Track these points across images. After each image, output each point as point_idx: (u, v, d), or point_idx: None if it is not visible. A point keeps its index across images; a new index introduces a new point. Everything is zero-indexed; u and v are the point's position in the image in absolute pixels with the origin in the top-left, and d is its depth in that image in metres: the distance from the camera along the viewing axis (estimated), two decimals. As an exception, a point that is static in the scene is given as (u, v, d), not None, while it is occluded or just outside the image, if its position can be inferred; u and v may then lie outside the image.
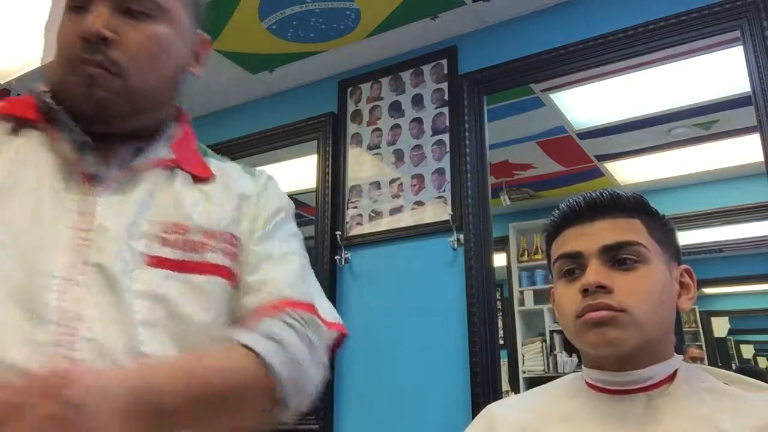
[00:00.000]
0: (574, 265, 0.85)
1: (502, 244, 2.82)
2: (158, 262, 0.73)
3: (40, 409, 0.51)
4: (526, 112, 2.25)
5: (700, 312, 2.72)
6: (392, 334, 2.01)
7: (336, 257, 2.17)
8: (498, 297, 2.30)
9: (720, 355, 2.75)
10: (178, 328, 0.72)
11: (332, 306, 0.89)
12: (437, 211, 2.04)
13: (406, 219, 2.10)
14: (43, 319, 0.65)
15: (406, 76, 2.24)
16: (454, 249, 1.96)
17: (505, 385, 2.40)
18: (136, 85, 0.75)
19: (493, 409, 0.94)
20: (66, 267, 0.68)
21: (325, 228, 2.21)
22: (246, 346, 0.68)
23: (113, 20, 0.74)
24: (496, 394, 1.78)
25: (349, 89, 2.37)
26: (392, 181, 2.17)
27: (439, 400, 1.86)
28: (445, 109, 2.12)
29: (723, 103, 2.06)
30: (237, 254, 0.79)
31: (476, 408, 1.70)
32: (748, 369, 2.64)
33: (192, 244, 0.75)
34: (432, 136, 2.13)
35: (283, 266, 0.81)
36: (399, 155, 2.18)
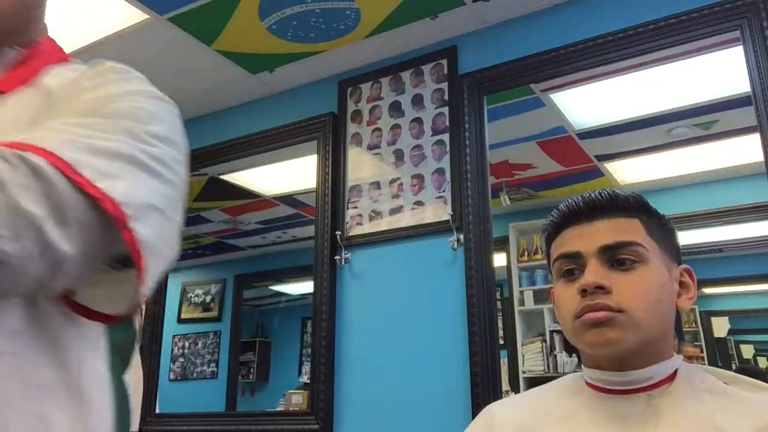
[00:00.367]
0: (573, 265, 0.85)
1: (502, 244, 2.82)
2: None
3: None
4: (526, 112, 2.25)
5: (700, 312, 2.72)
6: (392, 333, 2.01)
7: (336, 257, 2.17)
8: (498, 297, 2.30)
9: (720, 355, 2.75)
10: None
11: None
12: (437, 211, 2.04)
13: (406, 219, 2.10)
14: None
15: (406, 76, 2.24)
16: (454, 249, 1.96)
17: (505, 385, 2.40)
18: None
19: (493, 409, 0.94)
20: None
21: (325, 228, 2.21)
22: None
23: None
24: (496, 394, 1.77)
25: (349, 89, 2.37)
26: (392, 181, 2.17)
27: (439, 400, 1.86)
28: (445, 109, 2.12)
29: (723, 103, 2.06)
30: None
31: (476, 408, 1.70)
32: (748, 369, 2.63)
33: None
34: (432, 136, 2.13)
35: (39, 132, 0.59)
36: (399, 155, 2.18)
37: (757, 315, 2.78)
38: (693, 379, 0.82)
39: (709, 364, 1.19)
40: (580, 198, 0.88)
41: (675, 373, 0.83)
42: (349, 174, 2.27)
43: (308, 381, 2.23)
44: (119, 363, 1.33)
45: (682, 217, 2.33)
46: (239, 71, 2.42)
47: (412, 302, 2.00)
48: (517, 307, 2.86)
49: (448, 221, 1.98)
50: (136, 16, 2.05)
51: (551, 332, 2.76)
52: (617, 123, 2.28)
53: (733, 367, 2.68)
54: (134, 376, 2.41)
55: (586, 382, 0.87)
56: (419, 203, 2.09)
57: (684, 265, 0.89)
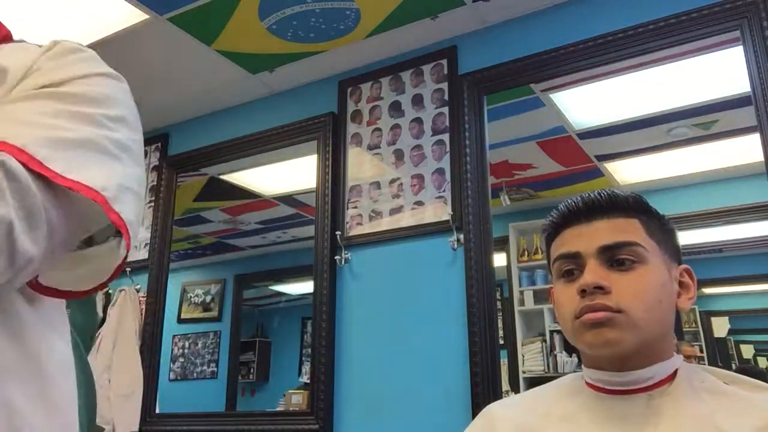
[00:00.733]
0: (572, 265, 0.85)
1: (502, 244, 2.82)
2: None
3: None
4: (526, 112, 2.25)
5: (700, 312, 2.72)
6: (392, 334, 2.01)
7: (336, 257, 2.17)
8: (498, 297, 2.30)
9: (720, 355, 2.75)
10: None
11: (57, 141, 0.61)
12: (437, 211, 2.04)
13: (406, 219, 2.10)
14: None
15: (406, 76, 2.24)
16: (454, 249, 1.96)
17: (505, 385, 2.40)
18: None
19: (493, 408, 0.94)
20: None
21: (325, 228, 2.21)
22: None
23: None
24: (496, 394, 1.77)
25: (349, 89, 2.37)
26: (392, 181, 2.17)
27: (439, 400, 1.86)
28: (445, 109, 2.12)
29: (723, 103, 2.06)
30: None
31: (476, 408, 1.70)
32: (748, 369, 2.63)
33: None
34: (432, 136, 2.13)
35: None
36: (399, 155, 2.18)
37: (757, 315, 2.78)
38: (693, 379, 0.82)
39: (709, 364, 1.19)
40: (579, 198, 0.88)
41: (675, 373, 0.83)
42: (349, 174, 2.27)
43: (308, 381, 2.23)
44: (82, 344, 1.35)
45: (682, 217, 2.33)
46: (239, 71, 2.42)
47: (412, 302, 2.00)
48: (517, 307, 2.86)
49: (448, 221, 1.98)
50: (136, 16, 2.05)
51: (551, 332, 2.76)
52: (617, 123, 2.28)
53: (733, 367, 2.68)
54: (126, 371, 2.41)
55: (586, 383, 0.87)
56: (419, 203, 2.09)
57: (684, 265, 0.89)
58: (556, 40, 1.96)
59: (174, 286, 3.49)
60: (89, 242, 0.67)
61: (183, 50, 2.25)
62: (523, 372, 2.70)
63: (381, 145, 2.23)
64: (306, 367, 2.25)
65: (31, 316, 0.64)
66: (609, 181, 2.58)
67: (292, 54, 2.31)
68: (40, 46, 0.70)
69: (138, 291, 2.65)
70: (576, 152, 2.40)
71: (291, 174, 2.76)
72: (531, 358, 2.76)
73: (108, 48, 2.20)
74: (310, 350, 2.33)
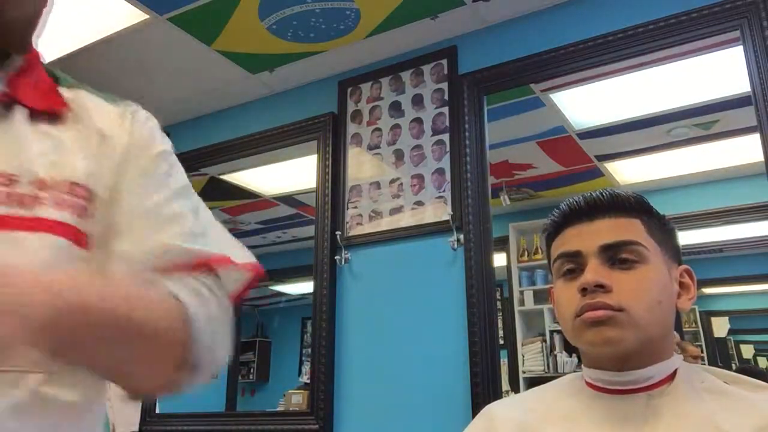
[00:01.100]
0: (573, 264, 0.85)
1: (502, 244, 2.82)
2: None
3: None
4: (526, 112, 2.25)
5: (700, 312, 2.72)
6: (392, 334, 2.01)
7: (336, 257, 2.17)
8: (498, 297, 2.30)
9: (720, 355, 2.75)
10: None
11: (242, 245, 0.74)
12: (437, 211, 2.04)
13: (406, 219, 2.10)
14: None
15: (406, 76, 2.24)
16: (454, 249, 1.96)
17: (505, 385, 2.40)
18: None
19: (493, 408, 0.94)
20: None
21: (325, 228, 2.21)
22: (171, 293, 0.60)
23: None
24: (496, 394, 1.77)
25: (349, 89, 2.36)
26: (392, 181, 2.17)
27: (439, 400, 1.86)
28: (445, 109, 2.12)
29: (723, 103, 2.06)
30: (86, 208, 0.63)
31: (476, 408, 1.70)
32: (748, 369, 2.63)
33: (19, 197, 0.60)
34: (432, 136, 2.13)
35: (174, 227, 0.67)
36: (399, 155, 2.18)
37: (757, 315, 2.78)
38: (693, 379, 0.82)
39: (709, 364, 1.19)
40: (581, 197, 0.88)
41: (675, 373, 0.83)
42: (349, 174, 2.27)
43: (308, 381, 2.23)
44: None
45: (682, 217, 2.33)
46: (239, 71, 2.42)
47: (412, 302, 2.00)
48: (517, 307, 2.86)
49: (448, 221, 1.98)
50: (136, 16, 2.05)
51: (551, 332, 2.76)
52: (617, 123, 2.28)
53: (733, 367, 2.68)
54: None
55: (586, 382, 0.87)
56: (419, 203, 2.09)
57: (684, 266, 0.89)
58: (556, 40, 1.95)
59: (174, 286, 3.49)
60: None
61: (183, 50, 2.25)
62: (523, 372, 2.70)
63: (381, 145, 2.23)
64: (306, 367, 2.25)
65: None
66: (609, 181, 2.58)
67: (292, 54, 2.31)
68: (112, 102, 0.74)
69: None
70: (576, 152, 2.40)
71: (291, 174, 2.77)
72: (531, 358, 2.76)
73: (108, 48, 2.20)
74: (310, 350, 2.32)
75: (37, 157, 0.63)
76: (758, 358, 2.70)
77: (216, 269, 0.67)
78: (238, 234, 3.55)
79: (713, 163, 2.36)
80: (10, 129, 0.64)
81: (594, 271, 0.81)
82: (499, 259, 2.79)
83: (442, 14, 2.07)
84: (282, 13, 2.08)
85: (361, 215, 2.20)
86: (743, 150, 2.06)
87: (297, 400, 2.25)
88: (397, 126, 2.21)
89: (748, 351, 2.76)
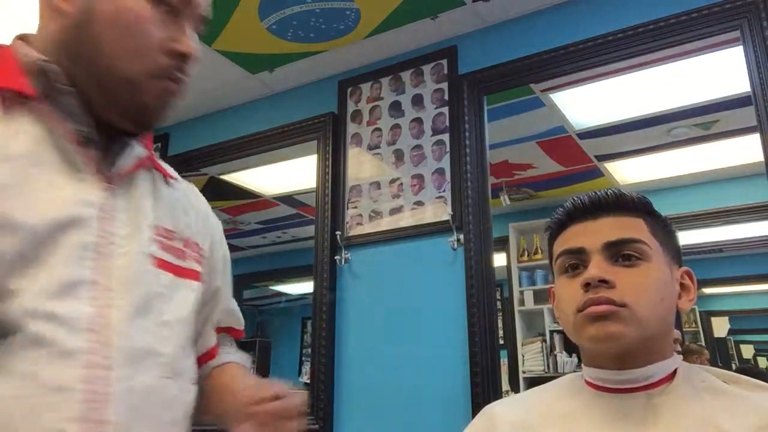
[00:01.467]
0: (576, 260, 0.86)
1: (502, 244, 2.82)
2: (163, 265, 0.75)
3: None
4: (526, 112, 2.25)
5: (700, 312, 2.72)
6: (392, 334, 2.01)
7: (336, 257, 2.17)
8: (498, 297, 2.30)
9: (720, 355, 2.75)
10: (178, 328, 0.75)
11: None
12: (437, 211, 2.04)
13: (406, 219, 2.10)
14: (75, 327, 0.63)
15: (406, 76, 2.24)
16: (454, 249, 1.96)
17: (505, 385, 2.40)
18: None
19: (493, 408, 0.94)
20: (91, 270, 0.66)
21: (325, 228, 2.21)
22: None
23: None
24: (496, 394, 1.77)
25: (349, 89, 2.37)
26: (392, 181, 2.17)
27: (439, 400, 1.86)
28: (445, 109, 2.12)
29: (723, 103, 2.06)
30: (202, 263, 0.84)
31: (476, 408, 1.70)
32: (748, 369, 2.64)
33: (176, 250, 0.78)
34: (432, 136, 2.13)
35: (233, 300, 0.97)
36: (399, 155, 2.18)
37: (757, 315, 2.78)
38: (693, 379, 0.82)
39: (709, 364, 1.19)
40: (585, 196, 0.89)
41: (675, 372, 0.83)
42: (349, 174, 2.27)
43: (308, 381, 2.23)
44: None
45: (682, 217, 2.33)
46: (239, 71, 2.42)
47: (412, 302, 2.00)
48: (517, 307, 2.86)
49: (448, 221, 1.98)
50: (136, 16, 2.05)
51: (551, 332, 2.77)
52: (617, 123, 2.29)
53: (733, 367, 2.68)
54: None
55: (586, 381, 0.87)
56: (419, 203, 2.09)
57: (684, 268, 0.90)
58: (556, 40, 1.95)
59: (174, 286, 3.49)
60: None
61: (183, 50, 2.25)
62: (523, 372, 2.71)
63: (381, 145, 2.23)
64: (306, 367, 2.25)
65: None
66: (609, 181, 2.58)
67: (292, 54, 2.31)
68: (188, 184, 0.91)
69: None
70: (576, 152, 2.40)
71: (291, 174, 2.77)
72: (531, 358, 2.76)
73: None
74: (310, 350, 2.32)
75: (181, 218, 0.81)
76: (758, 358, 2.70)
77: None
78: (239, 234, 3.56)
79: (713, 163, 2.37)
80: (160, 191, 0.80)
81: (598, 267, 0.82)
82: (499, 259, 2.79)
83: (442, 14, 2.07)
84: (282, 13, 2.08)
85: (361, 215, 2.20)
86: (743, 150, 2.07)
87: (297, 400, 2.24)
88: (397, 126, 2.21)
89: (748, 351, 2.76)
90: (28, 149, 0.66)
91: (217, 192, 2.93)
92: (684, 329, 2.70)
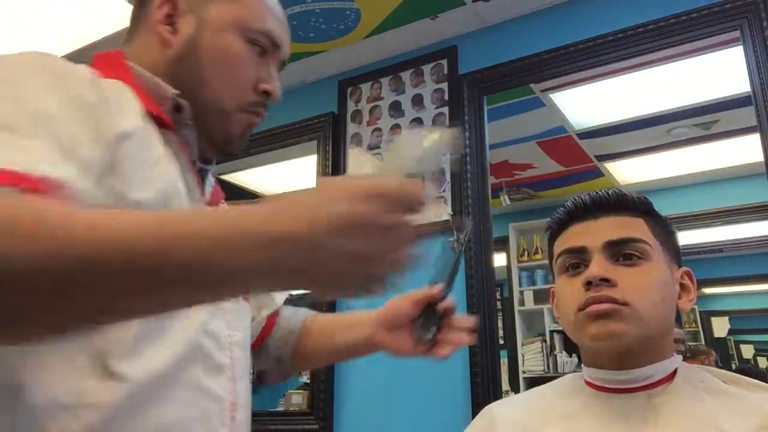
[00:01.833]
0: (577, 259, 0.86)
1: (502, 244, 2.82)
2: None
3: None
4: (526, 112, 2.25)
5: (700, 312, 2.72)
6: (392, 334, 2.01)
7: (336, 257, 2.17)
8: (498, 297, 2.30)
9: (720, 355, 2.75)
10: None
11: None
12: (437, 211, 2.04)
13: (406, 219, 2.10)
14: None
15: (406, 76, 2.24)
16: (454, 249, 1.96)
17: (505, 385, 2.40)
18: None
19: (493, 409, 0.94)
20: None
21: (325, 228, 2.21)
22: None
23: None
24: (496, 394, 1.77)
25: (349, 89, 2.36)
26: (392, 181, 2.17)
27: (439, 400, 1.86)
28: (445, 109, 2.12)
29: (723, 103, 2.06)
30: None
31: (476, 408, 1.70)
32: (748, 369, 2.64)
33: None
34: (432, 136, 2.12)
35: None
36: (399, 155, 2.18)
37: (757, 315, 2.78)
38: (693, 379, 0.83)
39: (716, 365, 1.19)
40: (586, 195, 0.89)
41: (675, 372, 0.83)
42: (349, 174, 2.27)
43: (308, 381, 2.23)
44: None
45: (682, 217, 2.33)
46: (239, 71, 2.42)
47: (412, 302, 1.99)
48: (517, 307, 2.86)
49: (448, 221, 1.98)
50: (136, 16, 2.05)
51: (551, 332, 2.77)
52: (617, 123, 2.29)
53: (733, 367, 2.68)
54: None
55: (586, 382, 0.87)
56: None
57: (684, 268, 0.90)
58: (556, 40, 1.95)
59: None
60: None
61: (183, 50, 2.25)
62: (523, 372, 2.71)
63: (381, 146, 2.23)
64: (306, 367, 2.25)
65: None
66: (609, 181, 2.58)
67: (292, 54, 2.30)
68: None
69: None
70: (576, 152, 2.40)
71: (291, 174, 2.76)
72: (531, 358, 2.76)
73: (108, 48, 2.20)
74: (310, 350, 2.32)
75: None
76: (758, 358, 2.70)
77: None
78: (238, 234, 3.57)
79: (713, 163, 2.37)
80: None
81: (599, 266, 0.82)
82: (499, 259, 2.79)
83: (442, 14, 2.07)
84: (282, 13, 2.08)
85: (361, 215, 2.20)
86: (743, 150, 2.07)
87: (297, 400, 2.24)
88: (397, 126, 2.21)
89: (748, 351, 2.76)
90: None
91: (217, 192, 2.93)
92: (684, 329, 2.70)
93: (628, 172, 2.58)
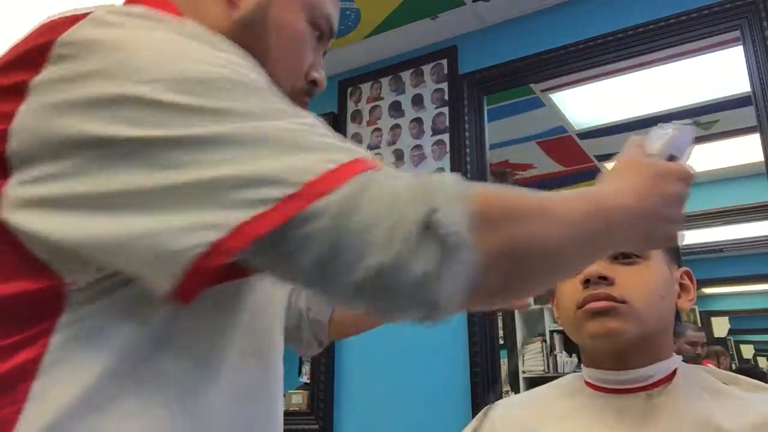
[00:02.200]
0: None
1: (502, 244, 2.81)
2: None
3: None
4: (526, 112, 2.25)
5: (700, 312, 2.72)
6: (392, 333, 2.01)
7: (336, 257, 2.17)
8: (498, 297, 2.29)
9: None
10: None
11: None
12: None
13: (406, 219, 2.10)
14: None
15: (406, 76, 2.24)
16: (454, 249, 1.96)
17: (505, 385, 2.40)
18: None
19: (493, 408, 0.94)
20: None
21: (325, 228, 2.21)
22: None
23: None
24: (496, 394, 1.77)
25: (349, 89, 2.37)
26: (392, 181, 2.17)
27: (439, 400, 1.86)
28: (445, 109, 2.12)
29: (723, 103, 2.06)
30: None
31: (476, 408, 1.70)
32: (748, 369, 2.63)
33: None
34: (432, 136, 2.13)
35: None
36: (399, 155, 2.18)
37: (757, 315, 2.78)
38: (692, 379, 0.83)
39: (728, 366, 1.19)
40: None
41: (674, 372, 0.83)
42: (349, 174, 2.27)
43: (308, 381, 2.23)
44: None
45: (681, 217, 2.32)
46: (239, 71, 2.42)
47: (412, 302, 1.99)
48: (517, 307, 2.85)
49: (448, 221, 1.98)
50: (136, 16, 2.05)
51: (551, 332, 2.77)
52: (617, 123, 2.28)
53: (733, 367, 2.68)
54: None
55: (586, 382, 0.87)
56: (419, 203, 2.09)
57: (684, 268, 0.90)
58: (556, 40, 1.95)
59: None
60: None
61: (183, 50, 2.25)
62: (523, 372, 2.70)
63: (381, 145, 2.23)
64: (306, 367, 2.25)
65: None
66: (609, 181, 2.57)
67: (292, 54, 2.31)
68: None
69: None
70: (576, 152, 2.40)
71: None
72: (531, 358, 2.76)
73: (108, 48, 2.20)
74: (310, 350, 2.32)
75: None
76: (758, 358, 2.70)
77: None
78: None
79: (713, 163, 2.36)
80: None
81: (598, 264, 0.82)
82: (499, 259, 2.78)
83: (442, 14, 2.07)
84: (282, 13, 2.08)
85: (361, 215, 2.20)
86: (743, 150, 2.06)
87: (297, 400, 2.24)
88: (397, 126, 2.21)
89: (748, 351, 2.76)
90: None
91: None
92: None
93: (628, 172, 2.57)
